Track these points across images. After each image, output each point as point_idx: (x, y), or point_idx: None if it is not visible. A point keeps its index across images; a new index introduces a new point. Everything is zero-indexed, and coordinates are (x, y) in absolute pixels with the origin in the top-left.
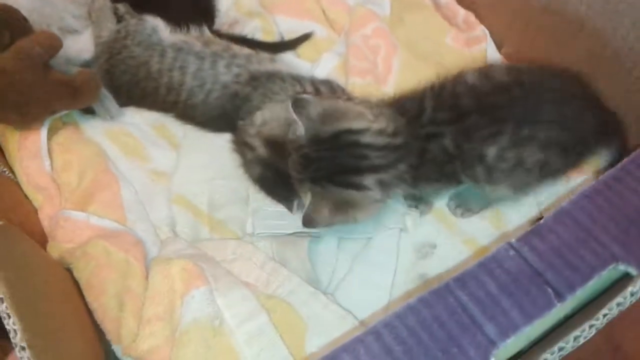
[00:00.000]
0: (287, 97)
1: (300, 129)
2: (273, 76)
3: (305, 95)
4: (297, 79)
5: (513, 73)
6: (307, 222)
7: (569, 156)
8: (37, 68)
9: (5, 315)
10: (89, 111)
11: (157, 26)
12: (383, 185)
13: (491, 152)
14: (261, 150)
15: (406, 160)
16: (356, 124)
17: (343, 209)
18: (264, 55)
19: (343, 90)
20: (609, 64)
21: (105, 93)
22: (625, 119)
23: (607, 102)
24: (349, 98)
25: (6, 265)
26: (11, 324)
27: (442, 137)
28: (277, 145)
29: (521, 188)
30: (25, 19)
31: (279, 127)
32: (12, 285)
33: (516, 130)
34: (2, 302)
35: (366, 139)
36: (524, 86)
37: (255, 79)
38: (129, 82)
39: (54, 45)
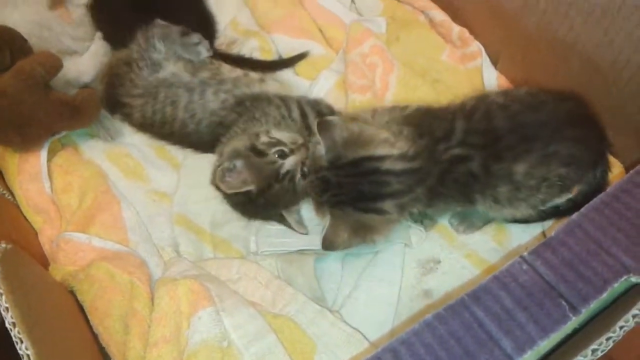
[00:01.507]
0: (267, 123)
1: (321, 150)
2: (258, 99)
3: (331, 118)
4: (284, 100)
5: (533, 94)
6: (327, 245)
7: (585, 171)
8: (38, 88)
9: (17, 340)
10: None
11: (168, 62)
12: (401, 208)
13: (520, 169)
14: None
15: (424, 184)
16: (378, 151)
17: (362, 232)
18: (254, 76)
19: (332, 111)
20: (611, 74)
21: (104, 113)
22: (622, 133)
23: (602, 116)
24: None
25: (16, 289)
26: (24, 349)
27: (470, 161)
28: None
29: (537, 206)
30: (25, 40)
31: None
32: (23, 309)
33: (544, 148)
34: (15, 327)
35: (387, 165)
36: (548, 105)
37: (240, 104)
38: (125, 112)
39: (54, 65)
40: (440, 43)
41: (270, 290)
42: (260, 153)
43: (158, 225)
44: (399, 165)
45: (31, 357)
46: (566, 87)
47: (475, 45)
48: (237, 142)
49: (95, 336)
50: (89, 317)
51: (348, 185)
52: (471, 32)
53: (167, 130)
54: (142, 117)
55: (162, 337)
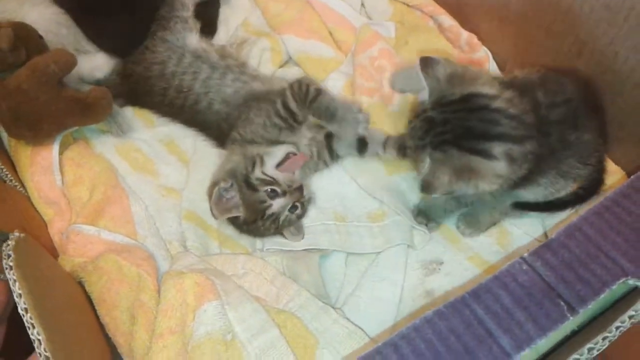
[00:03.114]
0: (258, 125)
1: (425, 92)
2: (256, 99)
3: (431, 56)
4: (270, 98)
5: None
6: (426, 187)
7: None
8: (52, 85)
9: (29, 325)
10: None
11: (191, 30)
12: (510, 160)
13: (587, 137)
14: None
15: (533, 142)
16: (487, 89)
17: (465, 176)
18: (274, 77)
19: (307, 93)
20: (616, 83)
21: (116, 109)
22: (625, 141)
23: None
24: None
25: (29, 276)
26: (35, 334)
27: (549, 136)
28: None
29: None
30: (40, 37)
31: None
32: (35, 296)
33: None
34: (27, 312)
35: (497, 104)
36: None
37: (246, 102)
38: (139, 75)
39: (68, 62)
40: (448, 48)
41: (275, 286)
42: (252, 187)
43: (166, 219)
44: (509, 108)
45: (42, 342)
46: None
47: (483, 51)
48: (237, 160)
49: (102, 326)
50: (97, 307)
51: (455, 121)
52: (479, 38)
53: (179, 101)
54: (160, 75)
55: (167, 329)
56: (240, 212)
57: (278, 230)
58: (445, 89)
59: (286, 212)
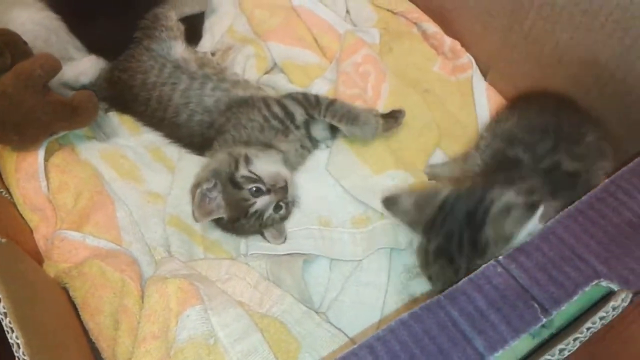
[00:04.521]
0: (253, 129)
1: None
2: (245, 104)
3: (392, 194)
4: (265, 101)
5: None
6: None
7: None
8: (37, 89)
9: (8, 329)
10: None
11: (176, 38)
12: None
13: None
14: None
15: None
16: (446, 191)
17: None
18: (252, 83)
19: (319, 100)
20: (595, 88)
21: (101, 114)
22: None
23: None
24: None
25: (10, 281)
26: (14, 338)
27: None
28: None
29: None
30: (25, 43)
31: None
32: (14, 300)
33: None
34: (6, 317)
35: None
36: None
37: (230, 108)
38: (124, 83)
39: (53, 66)
40: (432, 55)
41: (259, 291)
42: (237, 185)
43: (151, 225)
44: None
45: (21, 346)
46: None
47: (467, 57)
48: (221, 159)
49: (85, 331)
50: (80, 312)
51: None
52: (463, 44)
53: (160, 113)
54: (142, 85)
55: (150, 333)
56: (222, 214)
57: (261, 228)
58: (418, 216)
59: (270, 211)
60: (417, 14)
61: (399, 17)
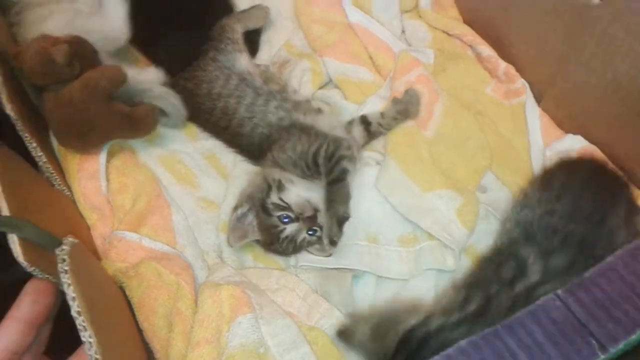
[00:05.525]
0: (289, 162)
1: None
2: (303, 130)
3: (346, 325)
4: (319, 137)
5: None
6: None
7: None
8: (102, 100)
9: (82, 327)
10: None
11: (241, 51)
12: None
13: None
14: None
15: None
16: (414, 319)
17: None
18: (313, 106)
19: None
20: None
21: (178, 107)
22: None
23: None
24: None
25: (81, 281)
26: (87, 337)
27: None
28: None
29: None
30: (95, 51)
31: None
32: (86, 300)
33: None
34: (79, 315)
35: (436, 323)
36: None
37: (289, 129)
38: (189, 91)
39: (119, 79)
40: (486, 77)
41: (307, 303)
42: (267, 211)
43: (204, 231)
44: (450, 319)
45: (93, 345)
46: (606, 132)
47: (520, 82)
48: (256, 183)
49: (140, 331)
50: (136, 312)
51: None
52: (517, 69)
53: (224, 123)
54: (207, 94)
55: (204, 338)
56: (256, 237)
57: (297, 251)
58: (378, 347)
59: (303, 235)
60: (472, 36)
61: (454, 38)
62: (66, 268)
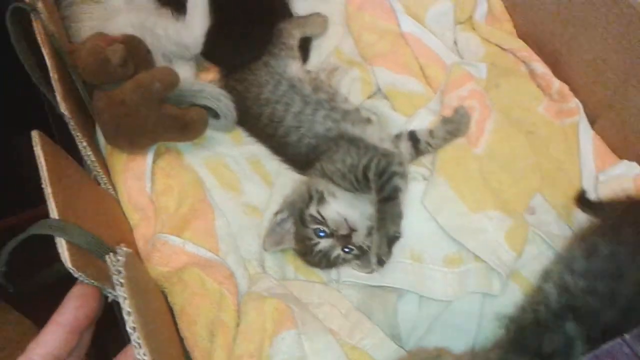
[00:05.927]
0: (337, 173)
1: None
2: (352, 141)
3: None
4: (369, 150)
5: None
6: None
7: None
8: (153, 102)
9: (136, 344)
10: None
11: (294, 58)
12: None
13: None
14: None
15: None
16: None
17: None
18: (362, 116)
19: (395, 172)
20: None
21: (230, 108)
22: None
23: None
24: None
25: (136, 294)
26: (142, 355)
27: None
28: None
29: None
30: (148, 51)
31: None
32: (141, 314)
33: None
34: (135, 331)
35: None
36: None
37: (337, 140)
38: (239, 93)
39: (172, 82)
40: (539, 94)
41: (349, 321)
42: (304, 222)
43: (247, 238)
44: None
45: None
46: None
47: (574, 102)
48: (300, 192)
49: (181, 339)
50: (177, 320)
51: None
52: (571, 88)
53: (270, 130)
54: (256, 99)
55: (247, 352)
56: (291, 245)
57: (330, 266)
58: None
59: (338, 252)
60: (526, 52)
61: (508, 53)
62: (122, 281)
